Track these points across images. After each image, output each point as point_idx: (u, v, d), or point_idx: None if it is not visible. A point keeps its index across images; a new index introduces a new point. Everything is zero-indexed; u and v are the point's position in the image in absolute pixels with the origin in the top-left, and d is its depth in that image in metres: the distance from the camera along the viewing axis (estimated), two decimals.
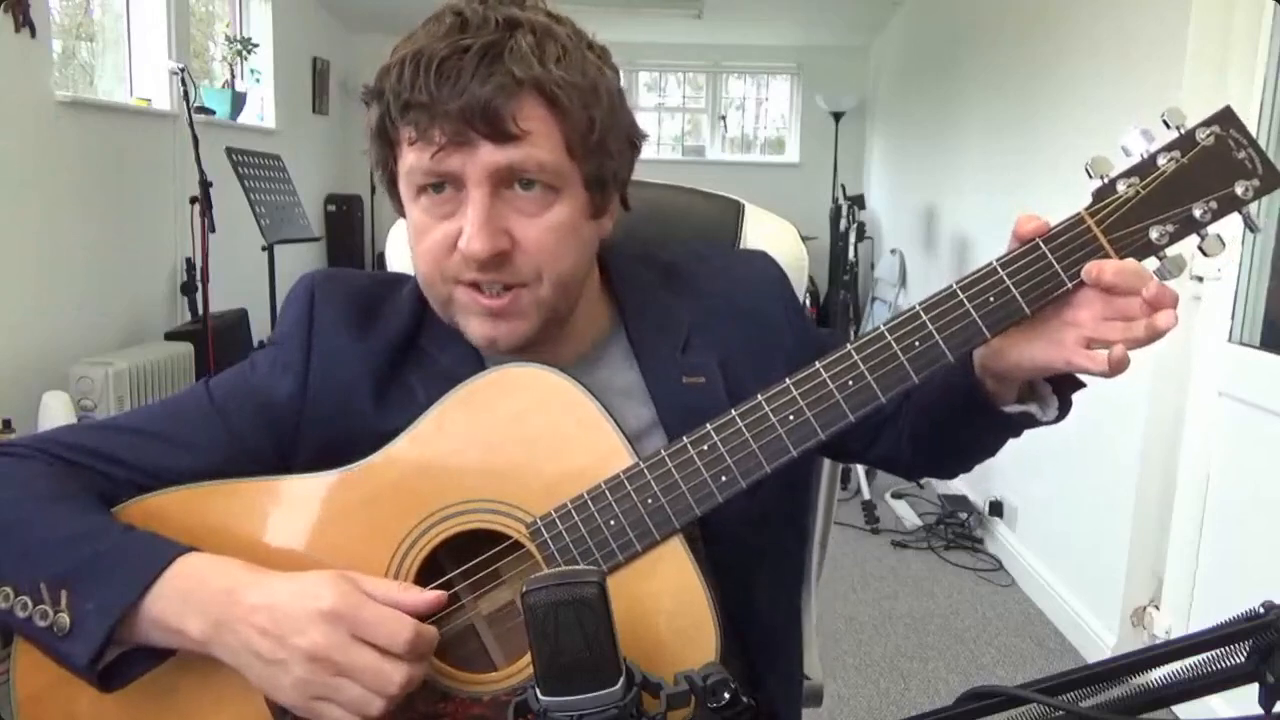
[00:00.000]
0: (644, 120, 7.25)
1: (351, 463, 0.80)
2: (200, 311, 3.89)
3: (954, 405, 0.83)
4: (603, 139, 0.79)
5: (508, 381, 0.79)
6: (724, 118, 7.49)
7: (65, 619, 0.71)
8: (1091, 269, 0.71)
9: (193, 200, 3.78)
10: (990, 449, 0.89)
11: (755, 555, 0.89)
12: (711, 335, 0.89)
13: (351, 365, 0.86)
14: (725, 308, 0.91)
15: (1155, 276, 0.72)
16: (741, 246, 1.10)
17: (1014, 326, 0.74)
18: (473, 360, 0.86)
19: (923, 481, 3.90)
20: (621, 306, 0.91)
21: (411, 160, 0.77)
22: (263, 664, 0.69)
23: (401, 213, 0.84)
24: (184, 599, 0.71)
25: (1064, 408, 0.82)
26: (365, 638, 0.68)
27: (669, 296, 0.91)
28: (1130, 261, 0.71)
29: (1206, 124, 0.71)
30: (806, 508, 0.99)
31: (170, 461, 0.83)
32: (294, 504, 0.81)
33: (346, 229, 6.32)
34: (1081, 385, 0.82)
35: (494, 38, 0.74)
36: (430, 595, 0.73)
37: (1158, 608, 2.44)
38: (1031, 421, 0.81)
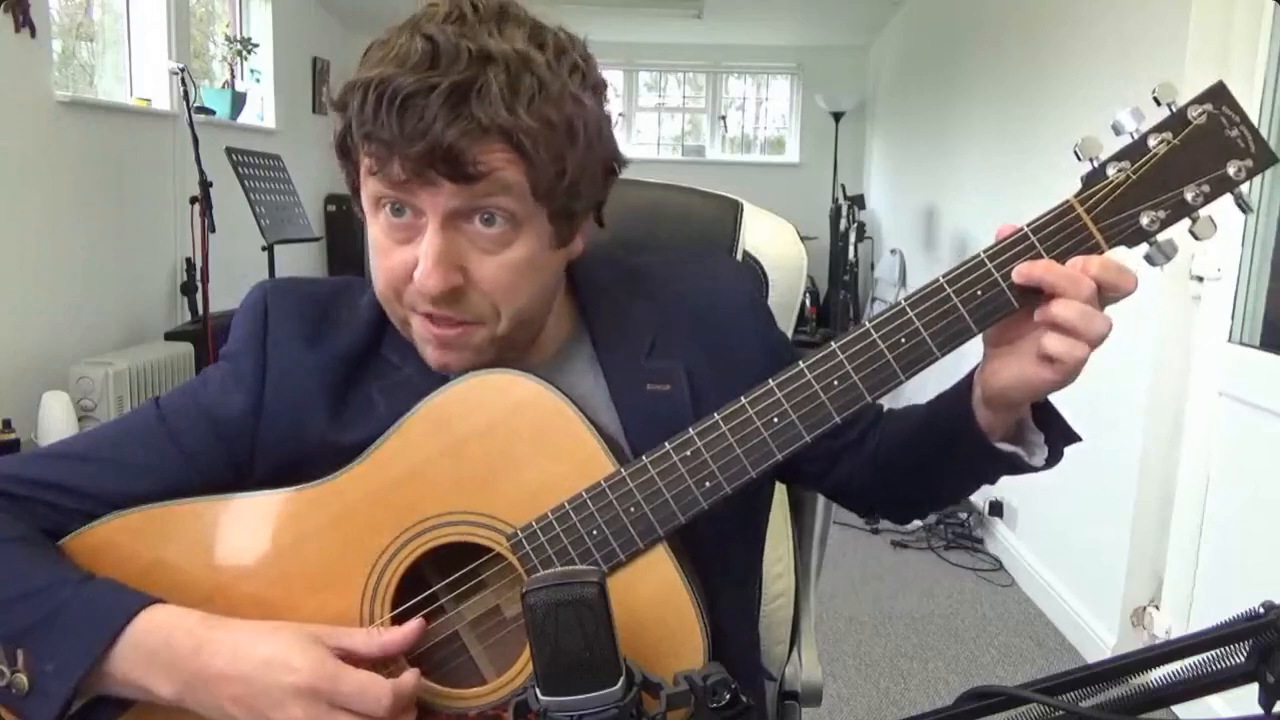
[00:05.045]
0: (644, 120, 7.34)
1: (310, 477, 0.78)
2: (200, 311, 3.90)
3: (940, 433, 0.80)
4: (574, 182, 0.75)
5: (481, 389, 0.76)
6: (724, 118, 7.47)
7: (23, 679, 0.70)
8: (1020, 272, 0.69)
9: (193, 200, 3.78)
10: (964, 488, 0.86)
11: (726, 556, 0.86)
12: (678, 341, 0.86)
13: (309, 377, 0.83)
14: (692, 315, 0.87)
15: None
16: (740, 246, 1.08)
17: (1005, 317, 0.71)
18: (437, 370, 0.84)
19: None
20: (586, 312, 0.88)
21: (372, 186, 0.74)
22: None
23: (363, 214, 0.80)
24: (149, 658, 0.71)
25: (1054, 457, 0.79)
26: (345, 707, 0.69)
27: (634, 300, 0.87)
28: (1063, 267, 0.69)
29: (1198, 101, 0.68)
30: (765, 508, 0.97)
31: (122, 486, 0.80)
32: (261, 523, 0.78)
33: (346, 229, 6.32)
34: (1076, 439, 0.79)
35: (464, 76, 0.69)
36: (407, 629, 0.73)
37: (1158, 608, 2.44)
38: (1017, 464, 0.78)
